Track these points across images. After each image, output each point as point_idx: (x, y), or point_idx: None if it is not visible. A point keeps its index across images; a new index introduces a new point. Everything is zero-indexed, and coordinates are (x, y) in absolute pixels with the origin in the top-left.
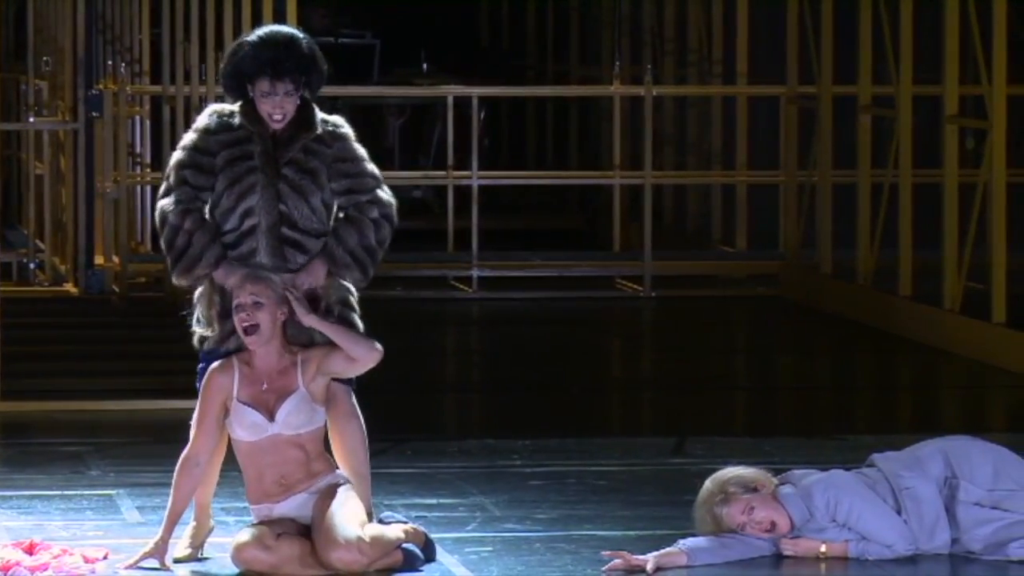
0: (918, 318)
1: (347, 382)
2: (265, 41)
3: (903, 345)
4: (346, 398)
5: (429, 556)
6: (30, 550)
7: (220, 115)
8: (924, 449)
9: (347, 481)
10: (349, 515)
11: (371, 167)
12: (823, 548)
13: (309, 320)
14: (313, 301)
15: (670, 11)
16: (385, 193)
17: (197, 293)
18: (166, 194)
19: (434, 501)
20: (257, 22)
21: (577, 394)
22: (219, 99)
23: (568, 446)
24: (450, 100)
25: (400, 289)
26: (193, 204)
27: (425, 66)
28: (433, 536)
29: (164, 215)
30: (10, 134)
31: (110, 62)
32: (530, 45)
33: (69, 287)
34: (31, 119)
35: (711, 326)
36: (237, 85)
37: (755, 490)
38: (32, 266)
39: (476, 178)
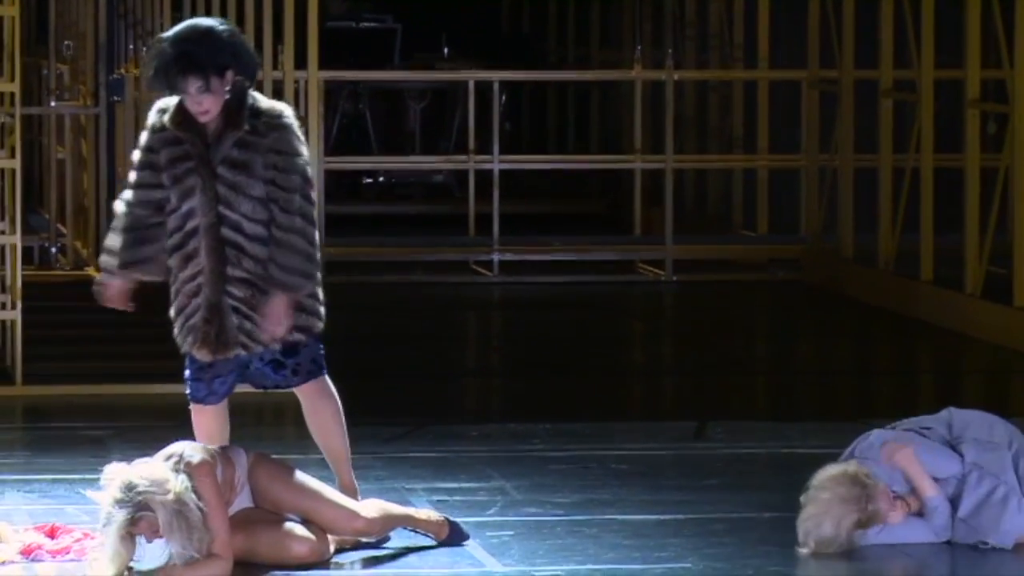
0: (939, 302)
1: (318, 369)
2: (177, 38)
3: (924, 329)
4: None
5: (457, 541)
6: (51, 534)
7: (164, 111)
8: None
9: (243, 454)
10: (326, 487)
11: (302, 163)
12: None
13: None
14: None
15: None
16: (306, 198)
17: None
18: (127, 189)
19: (455, 485)
20: (278, 6)
21: (598, 378)
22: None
23: (589, 430)
24: (471, 84)
25: (421, 274)
26: (139, 205)
27: (446, 50)
28: (455, 520)
29: (116, 209)
30: (32, 118)
31: (131, 46)
32: (551, 29)
33: (90, 271)
34: (53, 103)
35: (732, 310)
36: (163, 86)
37: (866, 485)
38: (53, 250)
39: (497, 162)
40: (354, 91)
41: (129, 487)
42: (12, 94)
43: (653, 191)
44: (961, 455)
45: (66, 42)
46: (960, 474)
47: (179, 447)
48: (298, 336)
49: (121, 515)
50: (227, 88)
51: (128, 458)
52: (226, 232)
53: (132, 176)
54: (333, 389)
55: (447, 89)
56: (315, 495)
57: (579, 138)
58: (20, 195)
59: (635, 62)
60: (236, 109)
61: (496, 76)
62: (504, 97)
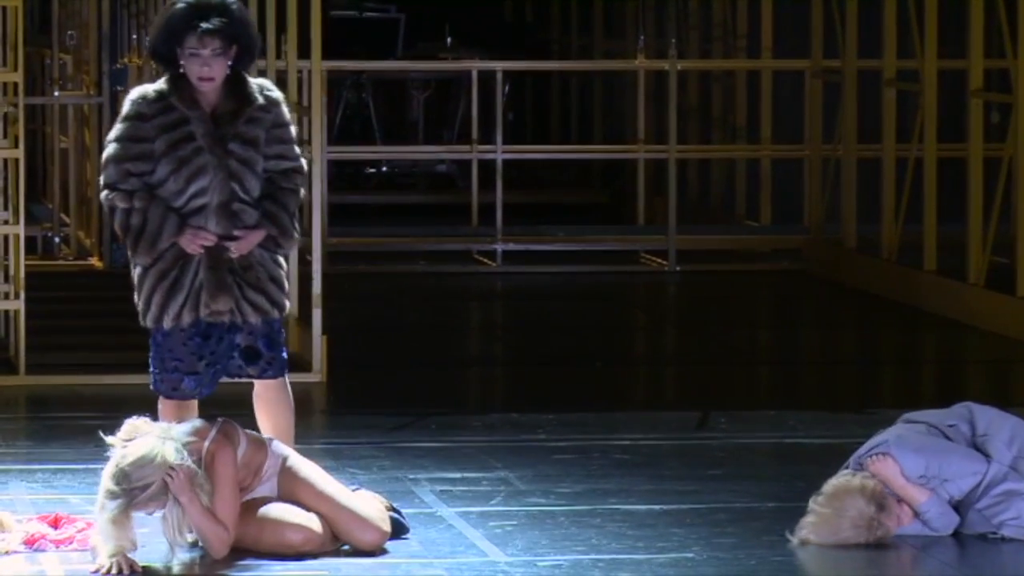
0: (942, 292)
1: (285, 366)
2: (193, 4)
3: (927, 319)
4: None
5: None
6: (55, 524)
7: (149, 100)
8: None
9: (282, 448)
10: (360, 497)
11: (295, 132)
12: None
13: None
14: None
15: None
16: (304, 161)
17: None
18: (108, 187)
19: (458, 475)
20: None
21: (601, 368)
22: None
23: (592, 420)
24: (474, 74)
25: (424, 263)
26: (140, 189)
27: (449, 40)
28: (458, 510)
29: (111, 204)
30: (35, 108)
31: (134, 36)
32: (554, 19)
33: (93, 261)
34: (56, 93)
35: (735, 301)
36: (167, 52)
37: (883, 507)
38: (56, 240)
39: (500, 152)
40: (357, 81)
41: (121, 478)
42: (15, 84)
43: (656, 181)
44: (987, 455)
45: (69, 32)
46: (984, 472)
47: (210, 420)
48: (275, 314)
49: (114, 506)
50: (229, 62)
51: (148, 416)
52: (236, 207)
53: (117, 171)
54: (289, 387)
55: (450, 79)
56: (336, 504)
57: (582, 128)
58: (23, 185)
59: (638, 52)
60: (242, 85)
61: (499, 66)
62: (507, 87)
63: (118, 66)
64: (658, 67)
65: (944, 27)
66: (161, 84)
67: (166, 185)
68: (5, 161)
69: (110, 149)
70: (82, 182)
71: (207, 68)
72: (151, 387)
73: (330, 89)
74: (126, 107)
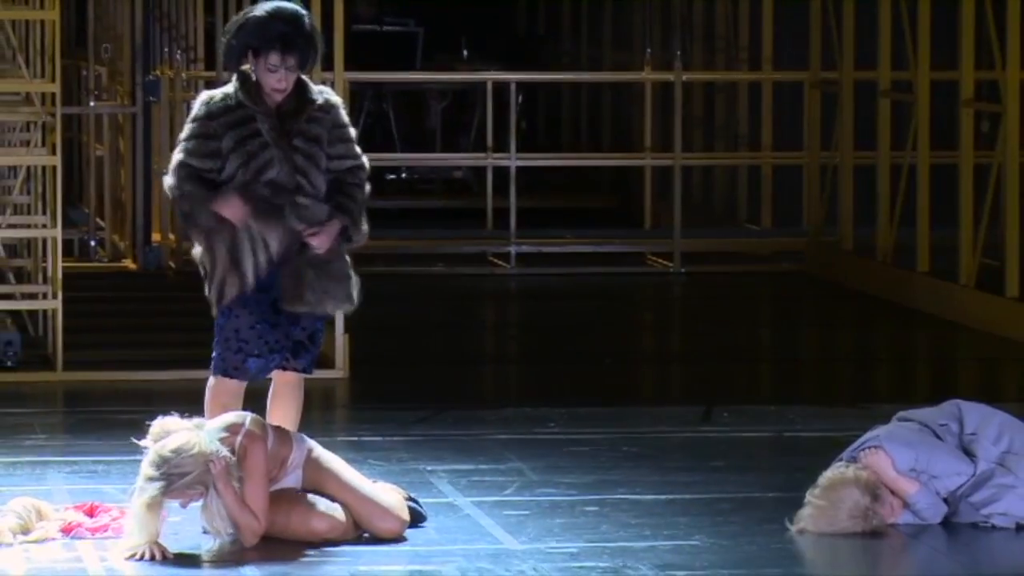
0: (935, 293)
1: (313, 366)
2: (273, 16)
3: (920, 318)
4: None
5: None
6: (91, 512)
7: (215, 100)
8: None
9: (306, 441)
10: (380, 488)
11: (355, 133)
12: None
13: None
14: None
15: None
16: (365, 159)
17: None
18: (174, 186)
19: (474, 467)
20: (307, 10)
21: (610, 365)
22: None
23: (601, 414)
24: (489, 85)
25: (441, 265)
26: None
27: (465, 53)
28: (473, 499)
29: (173, 196)
30: (72, 118)
31: (166, 49)
32: (565, 32)
33: (128, 263)
34: (92, 103)
35: (737, 300)
36: (239, 59)
37: (877, 497)
38: (93, 243)
39: (514, 159)
40: (378, 92)
41: (161, 463)
42: (53, 94)
43: (662, 187)
44: (974, 455)
45: (104, 45)
46: (972, 473)
47: (240, 416)
48: (348, 307)
49: (153, 489)
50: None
51: (180, 413)
52: (300, 199)
53: (184, 171)
54: (302, 390)
55: (467, 89)
56: (358, 494)
57: (592, 136)
58: (61, 191)
59: (645, 64)
60: (303, 86)
61: (513, 77)
62: (521, 97)
63: (151, 77)
64: (664, 78)
65: (937, 40)
66: (228, 88)
67: (235, 180)
68: (43, 168)
69: (179, 149)
70: (117, 188)
71: (283, 82)
72: (212, 371)
73: (352, 99)
74: (194, 109)
